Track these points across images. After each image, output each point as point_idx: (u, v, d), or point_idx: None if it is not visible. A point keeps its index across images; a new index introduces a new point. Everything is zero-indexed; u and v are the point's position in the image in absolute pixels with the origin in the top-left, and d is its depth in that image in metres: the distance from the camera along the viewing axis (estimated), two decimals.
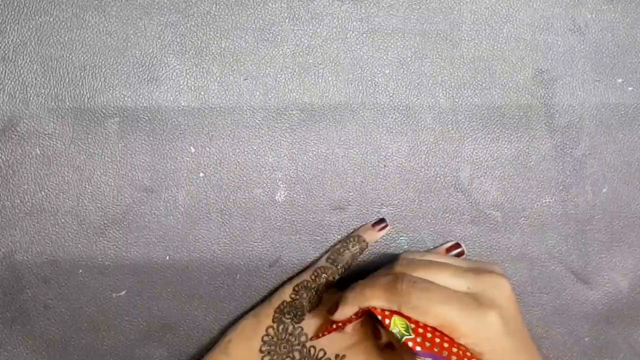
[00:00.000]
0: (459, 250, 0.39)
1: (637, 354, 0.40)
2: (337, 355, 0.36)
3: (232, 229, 0.39)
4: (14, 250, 0.39)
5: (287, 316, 0.37)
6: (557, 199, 0.40)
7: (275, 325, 0.36)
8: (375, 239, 0.39)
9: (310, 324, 0.37)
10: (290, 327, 0.36)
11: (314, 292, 0.37)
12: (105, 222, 0.39)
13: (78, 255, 0.39)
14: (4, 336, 0.39)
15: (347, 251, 0.38)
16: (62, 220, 0.39)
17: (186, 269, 0.39)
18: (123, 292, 0.39)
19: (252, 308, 0.39)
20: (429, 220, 0.40)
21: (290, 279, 0.39)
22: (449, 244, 0.39)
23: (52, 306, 0.39)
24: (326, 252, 0.39)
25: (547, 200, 0.40)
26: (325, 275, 0.38)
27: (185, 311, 0.39)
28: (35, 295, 0.39)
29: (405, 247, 0.40)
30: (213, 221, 0.39)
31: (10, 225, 0.39)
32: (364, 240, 0.39)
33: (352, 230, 0.40)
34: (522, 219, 0.40)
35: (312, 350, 0.36)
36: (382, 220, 0.39)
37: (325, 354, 0.36)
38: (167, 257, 0.39)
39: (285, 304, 0.37)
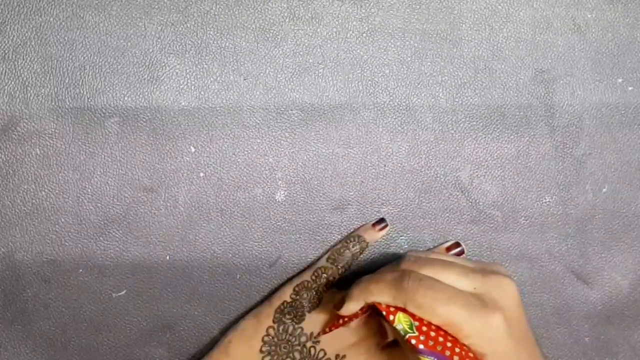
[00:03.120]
0: (458, 249, 0.39)
1: (637, 354, 0.40)
2: (337, 355, 0.36)
3: (232, 229, 0.39)
4: (14, 250, 0.39)
5: (288, 316, 0.37)
6: (557, 199, 0.40)
7: (275, 326, 0.36)
8: (375, 238, 0.39)
9: (310, 324, 0.37)
10: (291, 328, 0.36)
11: (314, 293, 0.37)
12: (105, 221, 0.39)
13: (78, 255, 0.39)
14: (4, 336, 0.39)
15: (347, 251, 0.38)
16: (62, 220, 0.39)
17: (186, 269, 0.39)
18: (123, 292, 0.39)
19: (252, 308, 0.39)
20: (429, 220, 0.40)
21: (290, 279, 0.39)
22: (449, 243, 0.39)
23: (52, 306, 0.39)
24: (326, 252, 0.39)
25: (547, 200, 0.40)
26: (325, 275, 0.38)
27: (185, 311, 0.39)
28: (35, 295, 0.39)
29: (405, 247, 0.40)
30: (213, 221, 0.39)
31: (10, 225, 0.39)
32: (364, 240, 0.39)
33: (352, 230, 0.40)
34: (522, 218, 0.40)
35: (313, 351, 0.36)
36: (382, 220, 0.39)
37: (325, 354, 0.36)
38: (167, 257, 0.39)
39: (285, 304, 0.37)
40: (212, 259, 0.39)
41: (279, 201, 0.39)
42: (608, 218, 0.40)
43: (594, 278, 0.40)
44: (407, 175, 0.40)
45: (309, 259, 0.40)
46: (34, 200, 0.39)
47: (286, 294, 0.37)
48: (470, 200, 0.40)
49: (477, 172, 0.40)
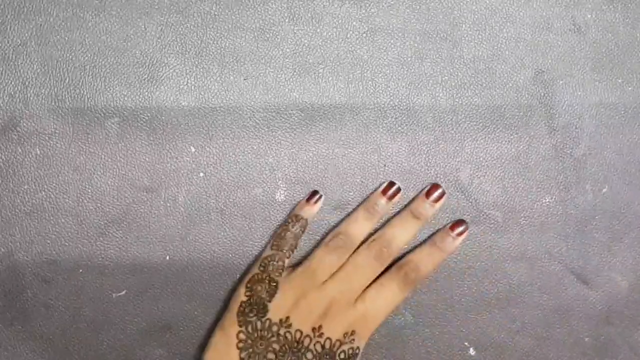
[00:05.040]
0: (439, 191, 0.39)
1: (637, 354, 0.40)
2: (313, 329, 0.36)
3: (232, 229, 0.39)
4: (14, 250, 0.39)
5: (251, 315, 0.36)
6: (557, 199, 0.40)
7: (243, 329, 0.36)
8: (312, 213, 0.39)
9: (276, 311, 0.36)
10: (259, 324, 0.36)
11: (267, 282, 0.37)
12: (105, 222, 0.39)
13: (78, 255, 0.39)
14: (4, 336, 0.39)
15: (288, 233, 0.38)
16: (62, 220, 0.39)
17: (186, 269, 0.39)
18: (123, 292, 0.39)
19: None
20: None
21: (241, 278, 0.39)
22: (428, 187, 0.39)
23: (52, 306, 0.39)
24: (269, 241, 0.39)
25: (547, 200, 0.40)
26: (273, 262, 0.37)
27: (185, 311, 0.39)
28: (35, 295, 0.39)
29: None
30: (213, 221, 0.39)
31: (10, 225, 0.39)
32: (302, 218, 0.38)
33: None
34: (522, 219, 0.40)
35: (289, 335, 0.36)
36: (315, 193, 0.39)
37: (302, 333, 0.36)
38: (167, 257, 0.39)
39: (243, 304, 0.37)
40: (212, 259, 0.39)
41: (279, 201, 0.40)
42: (608, 218, 0.40)
43: (594, 278, 0.40)
44: (407, 175, 0.40)
45: None
46: (34, 200, 0.39)
47: (240, 295, 0.37)
48: (470, 200, 0.40)
49: (477, 172, 0.40)
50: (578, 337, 0.40)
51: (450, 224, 0.39)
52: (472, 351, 0.40)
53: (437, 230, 0.39)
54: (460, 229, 0.39)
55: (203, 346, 0.39)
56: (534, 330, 0.40)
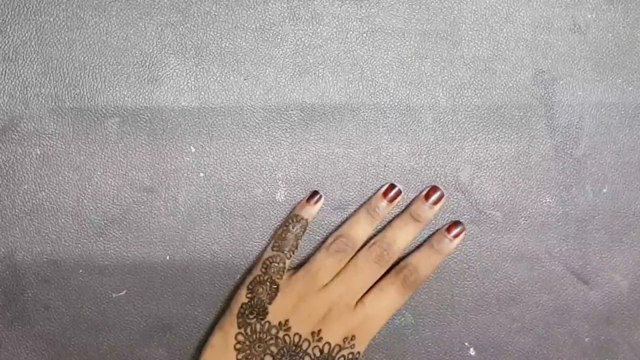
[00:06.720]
0: (437, 193, 0.39)
1: (637, 354, 0.40)
2: (313, 333, 0.36)
3: (232, 229, 0.39)
4: (14, 250, 0.39)
5: (250, 317, 0.36)
6: (557, 199, 0.40)
7: (242, 330, 0.36)
8: (313, 214, 0.39)
9: (275, 314, 0.36)
10: (258, 326, 0.36)
11: (269, 284, 0.37)
12: (105, 222, 0.39)
13: (78, 255, 0.39)
14: (4, 336, 0.39)
15: (289, 234, 0.38)
16: (62, 220, 0.39)
17: (186, 269, 0.39)
18: (123, 292, 0.39)
19: None
20: None
21: (241, 279, 0.39)
22: (427, 189, 0.39)
23: (52, 306, 0.39)
24: (270, 241, 0.39)
25: (547, 200, 0.40)
26: (275, 264, 0.37)
27: (185, 311, 0.39)
28: (36, 296, 0.39)
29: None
30: (213, 221, 0.39)
31: (10, 225, 0.39)
32: (302, 218, 0.38)
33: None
34: (522, 219, 0.40)
35: (287, 339, 0.36)
36: (315, 193, 0.39)
37: (300, 337, 0.36)
38: (167, 257, 0.39)
39: (244, 306, 0.37)
40: (212, 259, 0.39)
41: (279, 201, 0.40)
42: (608, 218, 0.40)
43: (594, 278, 0.40)
44: (407, 175, 0.40)
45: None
46: (34, 200, 0.39)
47: (242, 296, 0.37)
48: (470, 200, 0.40)
49: (477, 172, 0.40)
50: (578, 337, 0.40)
51: (446, 226, 0.39)
52: (472, 351, 0.40)
53: (436, 231, 0.39)
54: (457, 230, 0.38)
55: (203, 346, 0.39)
56: (534, 330, 0.40)
